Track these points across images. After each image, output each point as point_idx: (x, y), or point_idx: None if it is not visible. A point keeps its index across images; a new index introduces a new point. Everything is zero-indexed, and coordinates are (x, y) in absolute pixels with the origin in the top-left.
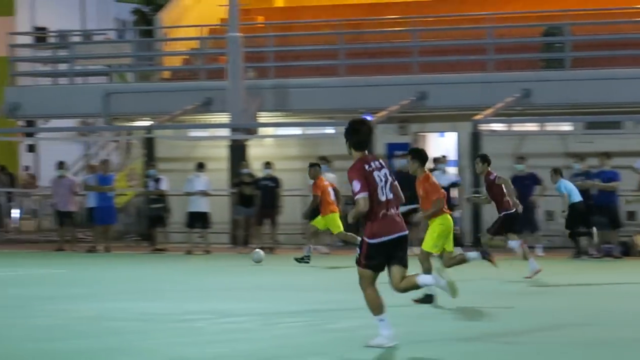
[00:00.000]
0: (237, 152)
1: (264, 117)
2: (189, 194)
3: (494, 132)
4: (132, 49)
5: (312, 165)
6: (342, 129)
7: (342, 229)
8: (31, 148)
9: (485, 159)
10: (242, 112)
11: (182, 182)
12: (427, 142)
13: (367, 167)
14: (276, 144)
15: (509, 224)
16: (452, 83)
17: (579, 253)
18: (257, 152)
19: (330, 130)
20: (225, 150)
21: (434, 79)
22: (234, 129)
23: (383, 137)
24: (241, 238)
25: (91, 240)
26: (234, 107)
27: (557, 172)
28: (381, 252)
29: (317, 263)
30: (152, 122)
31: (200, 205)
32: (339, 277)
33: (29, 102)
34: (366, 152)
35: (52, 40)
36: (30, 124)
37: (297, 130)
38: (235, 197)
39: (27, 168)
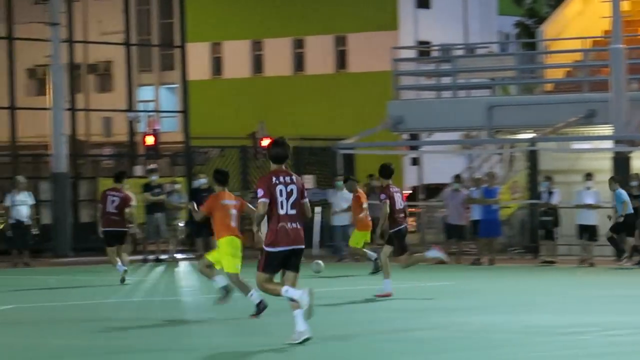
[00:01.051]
0: (621, 165)
1: None
2: (578, 206)
3: None
4: (515, 61)
5: (347, 179)
6: None
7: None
8: (414, 161)
9: (386, 173)
10: (625, 123)
11: (566, 194)
12: None
13: (274, 179)
14: None
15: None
16: None
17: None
18: None
19: None
20: (609, 163)
21: None
22: (617, 140)
23: None
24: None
25: (475, 253)
26: (617, 118)
27: (615, 180)
28: (278, 260)
29: None
30: (534, 135)
31: (589, 218)
32: None
33: (413, 115)
34: (283, 166)
35: (435, 54)
36: (413, 137)
37: None
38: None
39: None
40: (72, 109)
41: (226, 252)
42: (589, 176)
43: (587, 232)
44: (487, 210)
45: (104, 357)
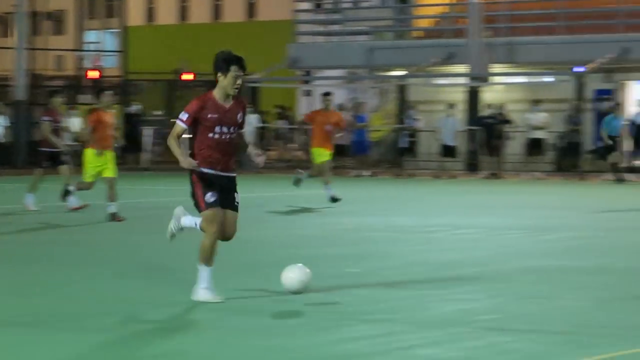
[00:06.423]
0: (473, 97)
1: (496, 68)
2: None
3: None
4: (392, 13)
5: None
6: (561, 78)
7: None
8: (308, 93)
9: None
10: (478, 64)
11: (429, 120)
12: (629, 89)
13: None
14: (505, 89)
15: None
16: None
17: None
18: (489, 96)
19: (549, 79)
20: (463, 95)
21: (636, 37)
22: (472, 77)
23: (592, 84)
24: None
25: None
26: (472, 60)
27: None
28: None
29: (537, 186)
30: (405, 72)
31: (450, 140)
32: (560, 199)
33: (307, 56)
34: None
35: (328, 6)
36: (307, 73)
37: (522, 79)
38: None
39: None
40: (32, 49)
41: None
42: (450, 105)
43: (449, 152)
44: (358, 132)
45: None
